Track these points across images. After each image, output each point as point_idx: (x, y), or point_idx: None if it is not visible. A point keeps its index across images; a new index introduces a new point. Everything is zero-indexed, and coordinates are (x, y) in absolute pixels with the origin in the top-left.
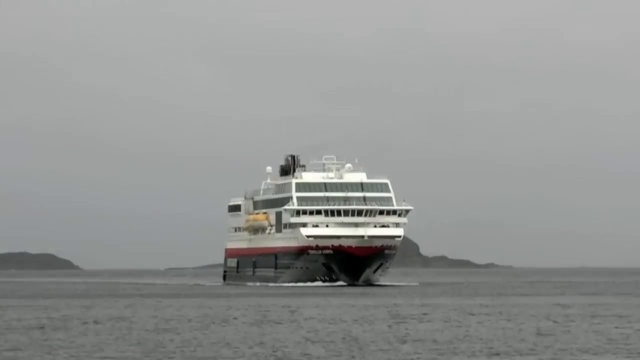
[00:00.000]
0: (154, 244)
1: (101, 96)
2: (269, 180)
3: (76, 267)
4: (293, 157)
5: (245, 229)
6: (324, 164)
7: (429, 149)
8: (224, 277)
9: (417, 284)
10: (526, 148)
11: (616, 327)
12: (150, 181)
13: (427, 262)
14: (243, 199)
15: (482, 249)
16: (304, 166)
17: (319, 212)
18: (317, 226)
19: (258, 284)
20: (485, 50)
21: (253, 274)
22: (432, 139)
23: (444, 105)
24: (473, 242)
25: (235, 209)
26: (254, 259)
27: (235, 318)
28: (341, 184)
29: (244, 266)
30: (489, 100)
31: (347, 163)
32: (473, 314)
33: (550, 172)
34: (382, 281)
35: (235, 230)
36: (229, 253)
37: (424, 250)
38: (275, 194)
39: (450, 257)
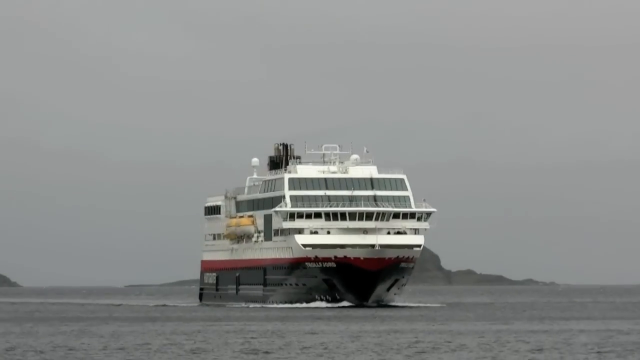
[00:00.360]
0: (110, 255)
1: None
2: (255, 176)
3: (14, 284)
4: (285, 146)
5: (227, 237)
6: (323, 155)
7: (453, 141)
8: (200, 297)
9: (443, 305)
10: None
11: None
12: (105, 178)
13: (450, 277)
14: (223, 198)
15: (518, 261)
16: (298, 158)
17: (318, 215)
18: (315, 233)
19: (243, 304)
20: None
21: (237, 293)
22: (455, 129)
23: (478, 95)
24: (507, 253)
25: (213, 211)
26: (237, 274)
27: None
28: (346, 179)
29: (225, 283)
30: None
31: (353, 154)
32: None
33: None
34: (397, 301)
35: (214, 238)
36: (206, 266)
37: (447, 263)
38: (264, 192)
39: (478, 271)
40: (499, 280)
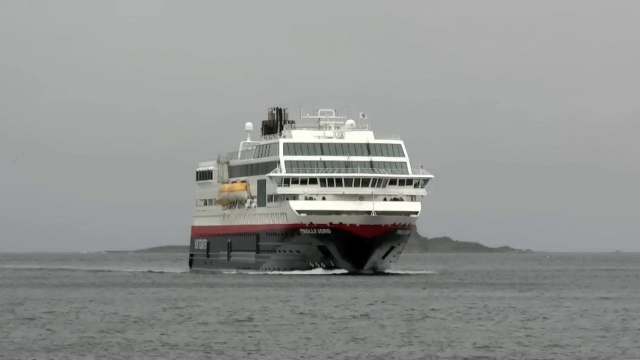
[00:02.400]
0: (82, 219)
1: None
2: (248, 140)
3: None
4: (279, 110)
5: (218, 202)
6: (319, 120)
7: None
8: (190, 263)
9: (436, 272)
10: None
11: None
12: (86, 134)
13: (426, 244)
14: (215, 163)
15: (494, 229)
16: (293, 122)
17: (313, 181)
18: (311, 199)
19: (235, 271)
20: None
21: (228, 259)
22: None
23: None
24: (483, 221)
25: (205, 176)
26: (229, 240)
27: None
28: (342, 145)
29: (217, 249)
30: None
31: (348, 119)
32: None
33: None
34: (393, 269)
35: (205, 204)
36: (197, 232)
37: (423, 230)
38: (258, 157)
39: (454, 238)
40: (475, 247)
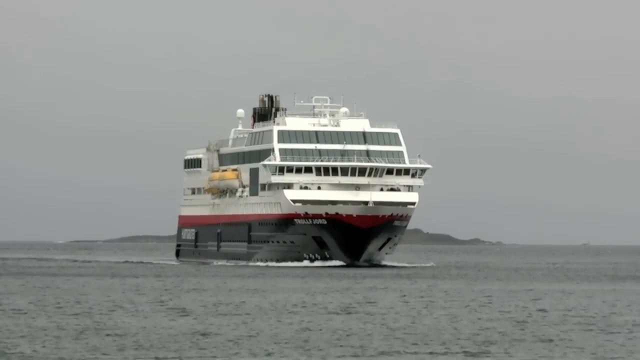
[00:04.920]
0: (53, 207)
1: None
2: (240, 128)
3: None
4: (270, 97)
5: (208, 191)
6: (313, 107)
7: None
8: (177, 253)
9: (433, 264)
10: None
11: None
12: (72, 121)
13: None
14: (205, 150)
15: (465, 221)
16: (284, 109)
17: (308, 170)
18: (306, 188)
19: (225, 262)
20: None
21: (218, 250)
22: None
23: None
24: (454, 213)
25: (193, 164)
26: (218, 230)
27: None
28: (337, 133)
29: (206, 239)
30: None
31: (342, 107)
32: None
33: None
34: (388, 261)
35: (193, 192)
36: (184, 222)
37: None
38: (250, 144)
39: (425, 230)
40: (446, 239)
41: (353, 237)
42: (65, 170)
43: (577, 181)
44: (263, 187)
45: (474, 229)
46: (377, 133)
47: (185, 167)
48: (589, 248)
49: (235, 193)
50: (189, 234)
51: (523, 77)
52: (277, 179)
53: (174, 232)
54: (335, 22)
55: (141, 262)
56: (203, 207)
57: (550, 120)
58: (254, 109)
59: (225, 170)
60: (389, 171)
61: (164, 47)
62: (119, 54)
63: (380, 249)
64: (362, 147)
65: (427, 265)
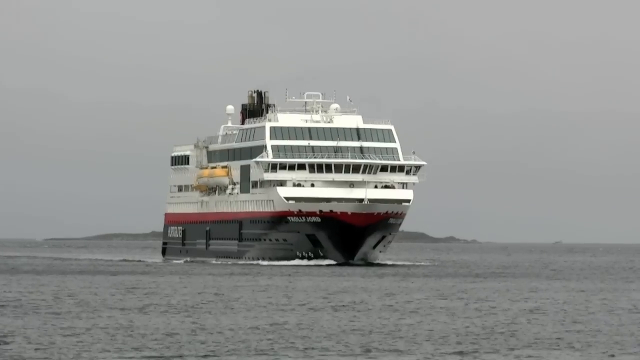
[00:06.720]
0: (26, 204)
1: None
2: (230, 124)
3: None
4: (260, 93)
5: (196, 188)
6: (305, 103)
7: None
8: (164, 252)
9: (430, 263)
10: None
11: None
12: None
13: None
14: (192, 148)
15: (439, 219)
16: (274, 105)
17: (301, 167)
18: (299, 185)
19: (214, 260)
20: None
21: (206, 248)
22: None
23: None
24: (429, 211)
25: (181, 161)
26: (207, 228)
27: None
28: (330, 129)
29: (193, 237)
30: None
31: (334, 103)
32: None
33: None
34: (382, 259)
35: (180, 190)
36: (171, 219)
37: None
38: (241, 141)
39: (400, 228)
40: (421, 237)
41: (348, 235)
42: (43, 165)
43: (550, 184)
44: (255, 184)
45: (449, 227)
46: (370, 129)
47: (172, 164)
48: (561, 246)
49: (225, 190)
50: (175, 232)
51: (507, 75)
52: (269, 176)
53: (150, 230)
54: (326, 18)
55: (125, 260)
56: (191, 205)
57: (517, 129)
58: (243, 105)
59: (215, 167)
60: (384, 168)
61: (152, 43)
62: (110, 52)
63: (374, 247)
64: (356, 144)
65: (426, 264)
